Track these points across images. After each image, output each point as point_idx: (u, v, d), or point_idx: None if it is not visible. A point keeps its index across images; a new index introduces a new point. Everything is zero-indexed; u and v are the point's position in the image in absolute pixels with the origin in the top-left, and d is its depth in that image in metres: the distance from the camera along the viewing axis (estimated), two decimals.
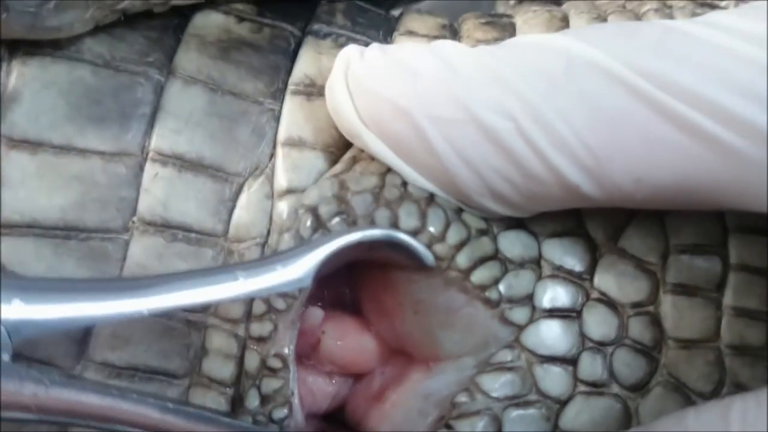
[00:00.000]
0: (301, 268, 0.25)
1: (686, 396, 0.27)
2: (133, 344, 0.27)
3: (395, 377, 0.28)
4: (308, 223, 0.26)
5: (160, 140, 0.27)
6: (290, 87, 0.28)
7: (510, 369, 0.27)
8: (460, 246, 0.27)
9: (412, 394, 0.28)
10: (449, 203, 0.27)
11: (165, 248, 0.27)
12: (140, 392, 0.24)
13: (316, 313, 0.27)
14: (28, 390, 0.22)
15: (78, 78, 0.27)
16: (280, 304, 0.26)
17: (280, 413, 0.27)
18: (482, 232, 0.27)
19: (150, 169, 0.27)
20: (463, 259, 0.27)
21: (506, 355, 0.27)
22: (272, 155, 0.28)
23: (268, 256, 0.26)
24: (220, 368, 0.27)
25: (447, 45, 0.26)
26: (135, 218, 0.27)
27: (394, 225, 0.26)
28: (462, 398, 0.27)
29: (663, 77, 0.23)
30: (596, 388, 0.27)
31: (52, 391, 0.23)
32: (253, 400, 0.27)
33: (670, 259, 0.28)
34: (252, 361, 0.27)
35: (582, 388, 0.27)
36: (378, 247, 0.26)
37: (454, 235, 0.26)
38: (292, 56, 0.29)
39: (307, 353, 0.29)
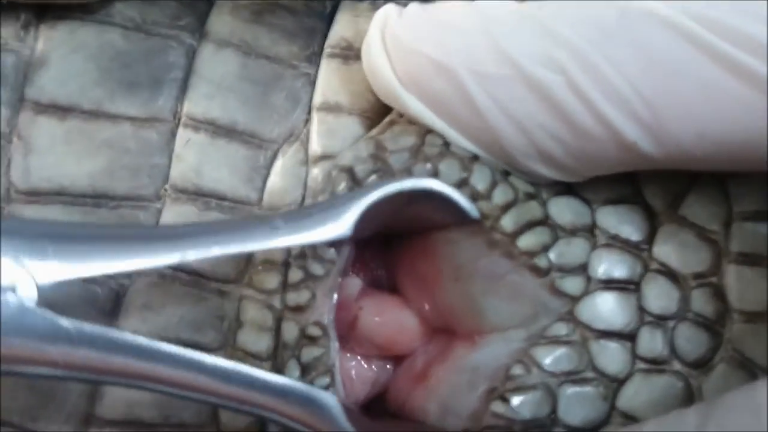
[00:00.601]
0: (342, 218, 0.23)
1: (753, 373, 0.26)
2: (165, 315, 0.26)
3: (438, 354, 0.27)
4: (343, 183, 0.25)
5: (192, 105, 0.26)
6: (326, 50, 0.28)
7: (565, 343, 0.26)
8: (506, 207, 0.25)
9: (458, 368, 0.26)
10: (495, 164, 0.25)
11: (198, 216, 0.26)
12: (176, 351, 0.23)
13: (354, 283, 0.26)
14: (58, 347, 0.21)
15: (108, 42, 0.27)
16: (317, 269, 0.25)
17: (322, 381, 0.25)
18: (531, 196, 0.26)
19: (182, 134, 0.26)
20: (509, 222, 0.25)
21: (560, 329, 0.26)
22: (307, 120, 0.27)
23: (307, 206, 0.25)
24: (256, 341, 0.26)
25: (491, 2, 0.25)
26: (167, 186, 0.26)
27: (435, 176, 0.25)
28: (517, 370, 0.26)
29: (722, 24, 0.22)
30: (656, 365, 0.26)
31: (81, 350, 0.22)
32: (293, 371, 0.26)
33: (734, 226, 0.26)
34: (290, 332, 0.26)
35: (641, 365, 0.26)
36: (417, 201, 0.24)
37: (500, 195, 0.25)
38: (329, 19, 0.28)
39: (346, 333, 0.27)
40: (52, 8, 0.27)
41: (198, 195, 0.26)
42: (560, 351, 0.26)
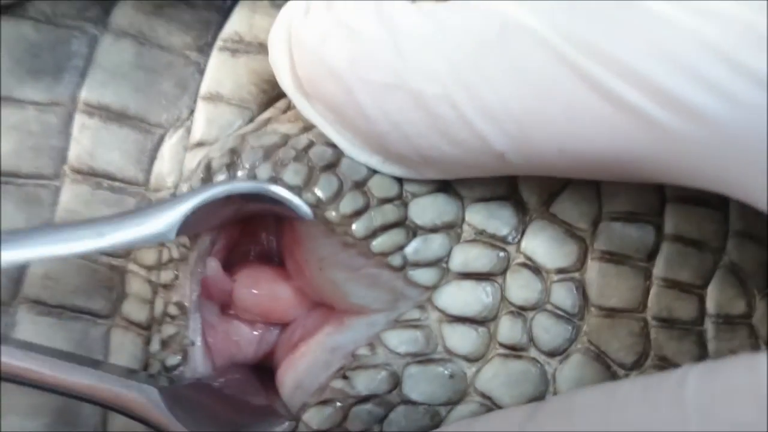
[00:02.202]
0: (164, 222, 0.25)
1: (606, 365, 0.27)
2: (63, 284, 0.29)
3: (312, 329, 0.29)
4: (201, 175, 0.27)
5: (88, 92, 0.29)
6: (218, 43, 0.29)
7: (416, 327, 0.27)
8: (355, 214, 0.26)
9: (320, 346, 0.28)
10: (352, 172, 0.26)
11: (91, 195, 0.29)
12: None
13: (211, 265, 0.28)
14: None
15: (22, 34, 0.29)
16: (175, 252, 0.27)
17: (172, 360, 0.28)
18: (386, 201, 0.27)
19: (79, 119, 0.29)
20: (359, 228, 0.26)
21: (414, 314, 0.27)
22: (194, 109, 0.29)
23: (137, 209, 0.27)
24: (138, 311, 0.29)
25: (395, 3, 0.25)
26: (66, 166, 0.29)
27: (275, 180, 0.26)
28: (362, 351, 0.27)
29: (593, 45, 0.21)
30: (515, 351, 0.27)
31: None
32: (155, 345, 0.28)
33: (601, 225, 0.27)
34: (158, 307, 0.28)
35: (500, 350, 0.27)
36: (258, 199, 0.26)
37: (348, 203, 0.26)
38: (227, 13, 0.29)
39: (226, 303, 0.29)
40: None
41: (92, 175, 0.29)
42: (408, 334, 0.27)
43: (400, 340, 0.27)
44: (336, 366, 0.27)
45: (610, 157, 0.22)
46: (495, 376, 0.27)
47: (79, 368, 0.26)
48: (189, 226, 0.25)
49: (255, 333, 0.30)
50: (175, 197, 0.26)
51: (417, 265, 0.27)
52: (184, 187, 0.28)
